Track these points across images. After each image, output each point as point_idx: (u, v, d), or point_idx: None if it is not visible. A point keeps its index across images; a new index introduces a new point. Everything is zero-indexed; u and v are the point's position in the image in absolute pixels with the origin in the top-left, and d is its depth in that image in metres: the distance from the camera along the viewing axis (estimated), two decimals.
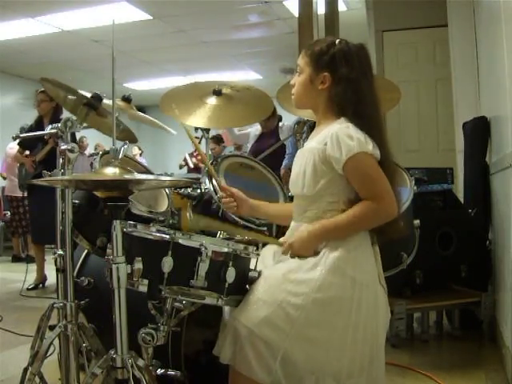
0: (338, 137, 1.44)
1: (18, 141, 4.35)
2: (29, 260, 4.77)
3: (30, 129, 4.32)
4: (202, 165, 8.60)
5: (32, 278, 4.41)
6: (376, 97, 1.52)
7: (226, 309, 1.51)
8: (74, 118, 1.78)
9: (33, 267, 4.47)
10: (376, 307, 1.47)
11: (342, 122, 1.48)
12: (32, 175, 4.22)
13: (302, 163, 1.54)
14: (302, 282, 1.41)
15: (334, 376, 1.41)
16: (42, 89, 4.27)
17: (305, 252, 1.49)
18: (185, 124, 1.85)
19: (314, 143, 1.53)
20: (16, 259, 6.29)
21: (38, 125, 4.27)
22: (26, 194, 4.50)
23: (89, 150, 7.93)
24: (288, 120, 4.47)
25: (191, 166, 6.47)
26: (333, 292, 1.40)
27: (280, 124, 4.60)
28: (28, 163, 4.35)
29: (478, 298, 2.78)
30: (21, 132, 4.23)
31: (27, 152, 4.45)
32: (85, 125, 1.84)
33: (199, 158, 8.75)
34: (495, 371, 2.38)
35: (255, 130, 4.66)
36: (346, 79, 1.47)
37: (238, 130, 4.86)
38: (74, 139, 3.14)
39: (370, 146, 1.44)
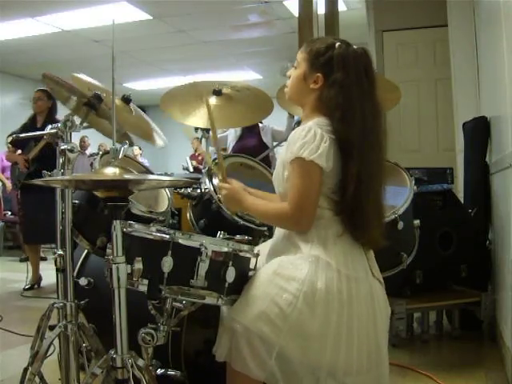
0: (290, 139, 1.47)
1: (9, 140, 4.30)
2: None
3: (24, 127, 4.22)
4: (201, 166, 8.61)
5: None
6: (367, 106, 1.47)
7: (223, 308, 1.51)
8: (75, 117, 1.78)
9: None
10: (372, 301, 1.47)
11: (316, 121, 1.46)
12: (25, 174, 4.09)
13: (279, 162, 1.56)
14: (292, 278, 1.42)
15: (329, 371, 1.40)
16: (42, 87, 4.26)
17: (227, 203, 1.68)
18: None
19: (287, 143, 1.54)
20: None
21: (32, 123, 4.22)
22: (19, 194, 4.36)
23: (90, 150, 7.93)
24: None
25: (191, 169, 6.39)
26: (320, 285, 1.40)
27: (261, 125, 4.60)
28: (21, 162, 4.19)
29: (478, 298, 2.78)
30: (13, 133, 4.07)
31: (19, 151, 4.33)
32: (85, 125, 1.84)
33: (199, 158, 8.76)
34: (495, 371, 2.38)
35: (234, 130, 4.65)
36: (339, 84, 1.46)
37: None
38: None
39: (306, 152, 1.39)
